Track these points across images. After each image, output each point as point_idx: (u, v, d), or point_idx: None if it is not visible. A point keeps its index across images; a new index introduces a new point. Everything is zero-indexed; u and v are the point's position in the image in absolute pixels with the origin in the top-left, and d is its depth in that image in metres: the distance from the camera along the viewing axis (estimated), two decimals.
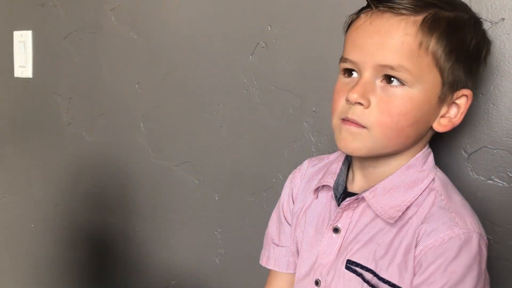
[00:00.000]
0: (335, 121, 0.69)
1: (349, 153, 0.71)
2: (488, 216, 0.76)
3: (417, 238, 0.66)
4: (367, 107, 0.65)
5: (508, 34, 0.77)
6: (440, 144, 0.82)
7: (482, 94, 0.79)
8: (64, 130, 1.26)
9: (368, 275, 0.68)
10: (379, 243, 0.68)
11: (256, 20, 0.97)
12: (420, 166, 0.71)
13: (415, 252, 0.65)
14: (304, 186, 0.81)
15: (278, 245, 0.83)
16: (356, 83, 0.66)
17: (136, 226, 1.17)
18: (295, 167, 0.96)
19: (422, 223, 0.66)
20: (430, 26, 0.65)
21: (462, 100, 0.69)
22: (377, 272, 0.67)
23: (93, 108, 1.20)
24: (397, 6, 0.65)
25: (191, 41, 1.05)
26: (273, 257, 0.83)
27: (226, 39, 1.01)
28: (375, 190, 0.69)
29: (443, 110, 0.69)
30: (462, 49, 0.68)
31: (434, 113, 0.69)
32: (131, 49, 1.13)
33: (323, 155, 0.84)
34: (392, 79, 0.65)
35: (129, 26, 1.12)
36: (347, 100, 0.66)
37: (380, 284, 0.67)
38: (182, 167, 1.09)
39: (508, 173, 0.79)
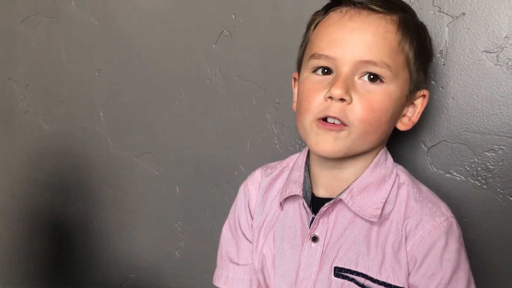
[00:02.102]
0: (308, 121, 0.67)
1: (326, 156, 0.67)
2: None
3: (405, 235, 0.66)
4: (350, 103, 0.64)
5: (468, 29, 0.77)
6: (401, 138, 0.82)
7: (442, 88, 0.80)
8: (21, 118, 1.21)
9: (360, 279, 0.66)
10: (363, 244, 0.67)
11: (220, 8, 0.95)
12: (384, 163, 0.72)
13: (406, 248, 0.66)
14: (261, 199, 0.77)
15: (238, 264, 0.78)
16: (337, 79, 0.64)
17: (95, 218, 1.13)
18: (257, 159, 0.95)
19: (405, 218, 0.67)
20: (405, 27, 0.67)
21: (419, 100, 0.71)
22: (369, 274, 0.66)
23: (51, 96, 1.16)
24: (373, 4, 0.65)
25: (153, 28, 1.02)
26: (233, 277, 0.78)
27: (189, 27, 0.99)
28: (351, 191, 0.68)
29: (405, 109, 0.70)
30: (424, 52, 0.70)
31: (401, 112, 0.70)
32: (91, 35, 1.09)
33: (273, 163, 0.81)
34: (371, 76, 0.65)
35: (90, 11, 1.08)
36: (329, 97, 0.64)
37: (375, 286, 0.66)
38: (142, 158, 1.06)
39: (466, 167, 0.80)
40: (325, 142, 0.65)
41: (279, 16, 0.91)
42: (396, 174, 0.71)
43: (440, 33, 0.79)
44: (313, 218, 0.70)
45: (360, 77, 0.65)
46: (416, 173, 0.81)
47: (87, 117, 1.11)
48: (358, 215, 0.68)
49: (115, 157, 1.09)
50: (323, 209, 0.68)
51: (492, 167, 0.78)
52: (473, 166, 0.79)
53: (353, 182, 0.69)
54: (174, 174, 1.03)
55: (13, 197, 1.27)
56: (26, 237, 1.26)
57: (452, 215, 0.68)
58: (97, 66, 1.09)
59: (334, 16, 0.67)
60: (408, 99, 0.69)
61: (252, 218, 0.77)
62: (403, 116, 0.71)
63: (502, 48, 0.75)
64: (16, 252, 1.28)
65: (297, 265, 0.70)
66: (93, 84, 1.10)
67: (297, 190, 0.71)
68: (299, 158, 0.76)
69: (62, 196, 1.18)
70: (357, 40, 0.64)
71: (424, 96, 0.71)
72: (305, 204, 0.70)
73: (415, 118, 0.71)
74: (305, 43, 0.73)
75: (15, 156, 1.25)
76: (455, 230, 0.68)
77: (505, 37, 0.75)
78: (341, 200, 0.68)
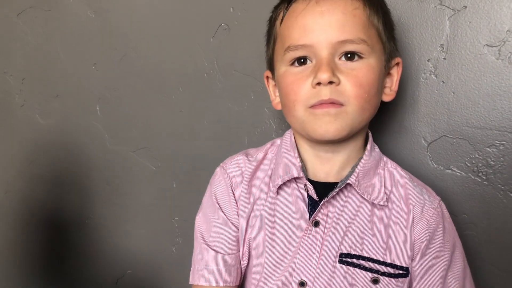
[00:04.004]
0: (302, 111, 0.66)
1: (329, 138, 0.65)
2: (446, 205, 0.76)
3: (412, 219, 0.68)
4: (338, 84, 0.64)
5: (470, 22, 0.76)
6: (400, 133, 0.81)
7: (443, 82, 0.79)
8: (17, 112, 1.19)
9: (366, 263, 0.67)
10: (368, 227, 0.68)
11: (218, 1, 0.94)
12: (374, 147, 0.73)
13: (414, 230, 0.68)
14: (246, 187, 0.73)
15: (217, 251, 0.73)
16: (320, 64, 0.64)
17: (91, 213, 1.12)
18: None
19: (411, 202, 0.69)
20: (370, 2, 0.67)
21: (395, 69, 0.72)
22: (375, 257, 0.67)
23: (47, 90, 1.14)
24: None
25: (150, 21, 1.01)
26: (213, 269, 0.72)
27: (187, 20, 0.97)
28: (357, 176, 0.68)
29: (384, 80, 0.71)
30: (389, 21, 0.71)
31: (383, 83, 0.71)
32: (88, 28, 1.07)
33: (252, 150, 0.78)
34: (349, 55, 0.65)
35: (86, 5, 1.07)
36: (317, 84, 0.64)
37: (381, 268, 0.67)
38: (139, 153, 1.05)
39: (467, 163, 0.78)
40: (326, 124, 0.65)
41: None
42: (383, 159, 0.73)
43: (441, 27, 0.78)
44: (312, 203, 0.69)
45: (340, 57, 0.65)
46: (416, 169, 0.80)
47: (84, 112, 1.10)
48: (366, 200, 0.68)
49: (112, 152, 1.08)
50: (333, 193, 0.67)
51: (493, 163, 0.77)
52: (473, 162, 0.78)
53: (356, 166, 0.70)
54: (171, 169, 1.02)
55: (8, 193, 1.25)
56: (21, 233, 1.25)
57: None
58: (93, 60, 1.07)
59: (299, 6, 0.67)
60: (386, 69, 0.70)
61: (238, 206, 0.73)
62: (384, 87, 0.71)
63: (504, 42, 0.74)
64: (12, 248, 1.27)
65: (294, 252, 0.68)
66: (90, 78, 1.08)
67: (298, 172, 0.69)
68: (284, 143, 0.74)
69: (58, 192, 1.16)
70: (330, 22, 0.64)
71: (398, 64, 0.72)
72: (309, 187, 0.68)
73: (395, 87, 0.72)
74: (272, 39, 0.72)
75: (11, 151, 1.23)
76: (446, 212, 0.71)
77: (507, 30, 0.74)
78: (348, 184, 0.68)
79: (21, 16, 1.15)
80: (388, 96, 0.72)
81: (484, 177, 0.78)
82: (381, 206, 0.68)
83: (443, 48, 0.78)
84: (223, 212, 0.74)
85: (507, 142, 0.76)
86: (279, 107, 0.74)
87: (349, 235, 0.68)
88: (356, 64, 0.65)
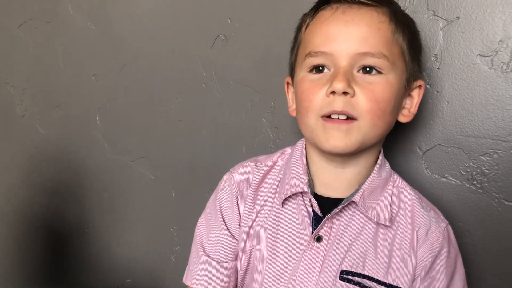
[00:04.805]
0: (313, 120, 0.65)
1: (338, 152, 0.65)
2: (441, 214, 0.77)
3: (416, 241, 0.67)
4: (353, 96, 0.63)
5: (463, 32, 0.77)
6: (396, 142, 0.82)
7: (437, 91, 0.80)
8: (18, 122, 1.21)
9: (366, 282, 0.66)
10: (370, 246, 0.67)
11: (216, 12, 0.95)
12: (384, 165, 0.72)
13: (417, 253, 0.67)
14: (252, 195, 0.73)
15: (213, 259, 0.73)
16: (337, 73, 0.63)
17: (91, 222, 1.13)
18: None
19: (416, 224, 0.68)
20: (396, 18, 0.67)
21: (416, 91, 0.71)
22: (376, 277, 0.66)
23: (48, 100, 1.16)
24: None
25: (149, 32, 1.02)
26: (207, 274, 0.73)
27: (185, 31, 0.99)
28: (363, 193, 0.67)
29: (403, 101, 0.70)
30: (416, 42, 0.71)
31: (401, 103, 0.70)
32: (88, 39, 1.09)
33: (261, 157, 0.78)
34: (367, 69, 0.64)
35: (86, 16, 1.09)
36: (332, 93, 0.63)
37: None
38: (138, 162, 1.06)
39: (461, 171, 0.79)
40: (336, 138, 0.64)
41: (275, 20, 0.91)
42: (393, 177, 0.72)
43: (435, 37, 0.79)
44: (316, 218, 0.68)
45: (358, 70, 0.64)
46: (411, 177, 0.81)
47: (84, 121, 1.11)
48: (370, 218, 0.67)
49: (112, 161, 1.09)
50: (336, 210, 0.67)
51: (487, 171, 0.78)
52: (468, 170, 0.79)
53: (362, 183, 0.68)
54: (170, 178, 1.03)
55: (10, 202, 1.26)
56: (22, 241, 1.26)
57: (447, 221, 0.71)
58: (93, 71, 1.09)
59: (325, 13, 0.67)
60: (406, 90, 0.69)
61: (240, 214, 0.73)
62: (403, 108, 0.70)
63: (497, 52, 0.75)
64: (12, 257, 1.28)
65: (294, 266, 0.68)
66: (90, 88, 1.10)
67: (303, 187, 0.69)
68: (294, 153, 0.73)
69: (58, 200, 1.17)
70: (353, 33, 0.64)
71: (420, 86, 0.71)
72: (313, 202, 0.68)
73: (414, 109, 0.71)
74: (297, 45, 0.72)
75: (12, 160, 1.24)
76: (452, 237, 0.70)
77: (499, 41, 0.75)
78: (352, 202, 0.67)
79: (22, 27, 1.17)
80: (405, 117, 0.70)
81: (478, 185, 0.78)
82: (386, 226, 0.67)
83: (437, 58, 0.79)
84: (224, 220, 0.74)
85: (501, 151, 0.76)
86: (294, 113, 0.73)
87: (352, 253, 0.67)
88: (373, 79, 0.64)
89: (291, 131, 0.91)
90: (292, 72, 0.74)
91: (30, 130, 1.19)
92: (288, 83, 0.77)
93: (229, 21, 0.95)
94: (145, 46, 1.03)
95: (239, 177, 0.74)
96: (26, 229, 1.24)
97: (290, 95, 0.76)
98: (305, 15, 0.72)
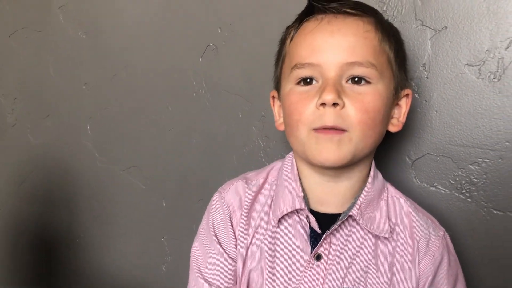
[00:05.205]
0: (305, 133, 0.64)
1: (330, 165, 0.63)
2: None
3: (418, 253, 0.67)
4: (343, 107, 0.62)
5: (450, 42, 0.78)
6: (385, 151, 0.82)
7: (425, 101, 0.80)
8: (8, 131, 1.20)
9: None
10: (371, 261, 0.66)
11: (206, 22, 0.96)
12: (377, 175, 0.71)
13: (419, 265, 0.66)
14: (246, 215, 0.70)
15: (213, 285, 0.70)
16: (326, 85, 0.62)
17: (81, 232, 1.12)
18: (244, 172, 0.94)
19: (416, 236, 0.67)
20: (382, 27, 0.67)
21: (404, 100, 0.71)
22: None
23: (38, 109, 1.15)
24: (348, 8, 0.65)
25: (140, 41, 1.02)
26: None
27: (175, 41, 0.99)
28: (360, 207, 0.66)
29: (392, 110, 0.70)
30: (402, 51, 0.71)
31: (390, 112, 0.69)
32: (79, 48, 1.09)
33: (251, 174, 0.76)
34: (356, 79, 0.63)
35: (77, 25, 1.09)
36: (322, 105, 0.62)
37: None
38: (129, 171, 1.06)
39: (450, 180, 0.79)
40: (328, 150, 0.62)
41: (265, 30, 0.91)
42: (387, 187, 0.72)
43: (423, 47, 0.79)
44: (314, 235, 0.67)
45: (347, 80, 0.63)
46: (401, 187, 0.81)
47: (74, 131, 1.11)
48: (369, 232, 0.66)
49: (102, 170, 1.08)
50: (334, 226, 0.65)
51: (476, 180, 0.78)
52: (457, 179, 0.79)
53: (358, 196, 0.67)
54: (160, 187, 1.03)
55: (0, 211, 1.26)
56: (12, 250, 1.25)
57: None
58: (84, 80, 1.09)
59: (310, 24, 0.66)
60: (394, 99, 0.68)
61: (236, 236, 0.70)
62: (392, 117, 0.70)
63: (484, 62, 0.76)
64: (1, 266, 1.27)
65: (295, 286, 0.66)
66: (80, 97, 1.09)
67: (300, 203, 0.67)
68: (285, 168, 0.72)
69: (48, 210, 1.17)
70: (340, 42, 0.63)
71: (407, 95, 0.71)
72: (311, 219, 0.66)
73: (403, 118, 0.71)
74: (282, 57, 0.71)
75: (2, 170, 1.24)
76: (450, 243, 0.70)
77: (486, 50, 0.75)
78: (350, 216, 0.66)
79: (13, 36, 1.17)
80: (395, 126, 0.70)
81: (467, 194, 0.78)
82: (385, 238, 0.66)
83: (425, 67, 0.79)
84: (220, 243, 0.71)
85: (489, 160, 0.77)
86: (282, 127, 0.72)
87: (353, 270, 0.65)
88: (363, 89, 0.63)
89: (282, 140, 0.91)
90: (277, 86, 0.73)
91: (21, 139, 1.18)
92: (273, 97, 0.75)
93: (219, 31, 0.95)
94: (136, 56, 1.03)
95: (231, 198, 0.72)
96: (16, 239, 1.23)
97: (276, 109, 0.75)
98: (289, 27, 0.71)
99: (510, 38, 0.74)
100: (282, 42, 0.72)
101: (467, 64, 0.77)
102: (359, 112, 0.62)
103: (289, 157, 0.73)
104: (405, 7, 0.80)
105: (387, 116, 0.68)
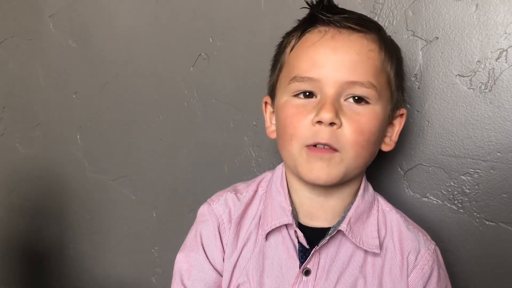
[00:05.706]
0: (297, 148, 0.63)
1: (321, 184, 0.63)
2: None
3: (407, 266, 0.66)
4: (339, 127, 0.61)
5: (441, 52, 0.78)
6: (377, 161, 0.82)
7: (417, 111, 0.80)
8: None
9: None
10: (360, 276, 0.65)
11: (198, 31, 0.95)
12: (367, 189, 0.70)
13: (408, 278, 0.66)
14: (235, 229, 0.69)
15: None
16: (324, 102, 0.61)
17: (71, 242, 1.11)
18: (235, 183, 0.92)
19: (405, 250, 0.66)
20: (385, 46, 0.65)
21: (397, 119, 0.70)
22: None
23: (28, 118, 1.14)
24: (352, 23, 0.63)
25: (131, 50, 1.02)
26: None
27: (167, 50, 0.98)
28: (348, 221, 0.65)
29: (386, 129, 0.69)
30: (401, 70, 0.71)
31: (385, 132, 0.68)
32: (69, 57, 1.08)
33: (240, 185, 0.74)
34: (356, 98, 0.62)
35: (68, 34, 1.08)
36: (318, 122, 0.61)
37: None
38: (119, 181, 1.04)
39: (442, 191, 0.79)
40: (319, 169, 0.62)
41: (256, 39, 0.91)
42: (377, 200, 0.71)
43: (415, 57, 0.79)
44: (303, 250, 0.66)
45: (346, 99, 0.62)
46: (393, 197, 0.81)
47: (64, 140, 1.10)
48: (359, 247, 0.65)
49: (92, 180, 1.07)
50: (323, 241, 0.64)
51: (468, 191, 0.78)
52: (449, 190, 0.79)
53: (347, 210, 0.66)
54: (150, 198, 1.02)
55: None
56: (1, 262, 1.23)
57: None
58: (74, 89, 1.08)
59: (313, 36, 0.64)
60: (389, 119, 0.68)
61: (224, 249, 0.69)
62: (385, 136, 0.69)
63: (475, 72, 0.76)
64: None
65: None
66: (70, 106, 1.08)
67: (288, 218, 0.66)
68: (274, 180, 0.71)
69: (37, 221, 1.15)
70: (342, 60, 0.62)
71: (402, 115, 0.70)
72: (299, 235, 0.65)
73: (395, 137, 0.70)
74: (279, 66, 0.69)
75: None
76: (440, 257, 0.69)
77: (477, 61, 0.76)
78: (340, 231, 0.65)
79: (2, 45, 1.16)
80: (387, 146, 0.69)
81: (460, 205, 0.78)
82: (375, 253, 0.66)
83: (416, 77, 0.79)
84: (206, 256, 0.69)
85: (481, 170, 0.77)
86: (273, 135, 0.71)
87: (341, 285, 0.64)
88: (361, 109, 0.62)
89: (273, 150, 0.91)
90: (271, 93, 0.72)
91: (10, 149, 1.17)
92: (266, 102, 0.74)
93: (211, 40, 0.94)
94: (127, 65, 1.02)
95: (220, 210, 0.70)
96: (4, 250, 1.21)
97: (268, 115, 0.74)
98: (290, 35, 0.69)
99: (501, 49, 0.74)
100: (281, 49, 0.70)
101: (458, 74, 0.77)
102: (354, 133, 0.62)
103: (279, 169, 0.72)
104: (396, 17, 0.80)
105: (381, 137, 0.67)
